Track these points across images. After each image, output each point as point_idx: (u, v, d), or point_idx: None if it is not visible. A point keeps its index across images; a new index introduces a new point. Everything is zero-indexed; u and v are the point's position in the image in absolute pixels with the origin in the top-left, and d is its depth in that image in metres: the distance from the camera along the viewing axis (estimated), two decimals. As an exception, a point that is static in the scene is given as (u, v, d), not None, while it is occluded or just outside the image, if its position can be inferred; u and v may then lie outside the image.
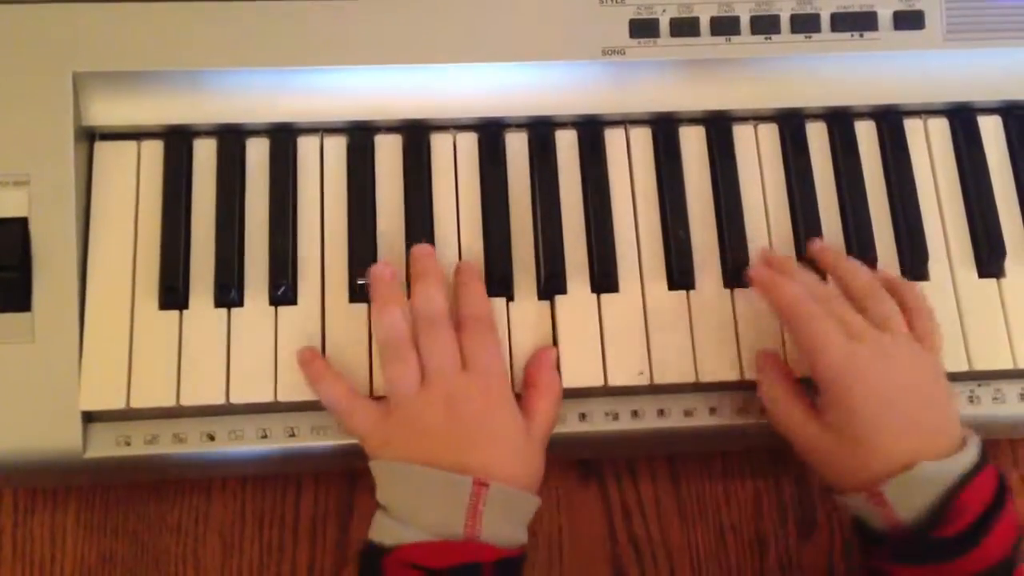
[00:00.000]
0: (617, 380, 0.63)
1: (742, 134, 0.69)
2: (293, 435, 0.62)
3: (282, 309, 0.63)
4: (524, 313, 0.64)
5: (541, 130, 0.68)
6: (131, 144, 0.66)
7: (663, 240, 0.67)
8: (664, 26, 0.66)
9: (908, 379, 0.58)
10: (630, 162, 0.68)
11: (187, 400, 0.61)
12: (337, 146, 0.67)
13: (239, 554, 0.67)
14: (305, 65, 0.65)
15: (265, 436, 0.62)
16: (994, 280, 0.67)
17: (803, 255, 0.66)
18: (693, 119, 0.69)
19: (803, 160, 0.69)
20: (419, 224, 0.65)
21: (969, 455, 0.56)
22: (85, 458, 0.61)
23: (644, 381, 0.63)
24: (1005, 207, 0.68)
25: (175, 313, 0.63)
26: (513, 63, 0.66)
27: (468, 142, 0.68)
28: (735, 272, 0.65)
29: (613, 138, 0.68)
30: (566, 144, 0.68)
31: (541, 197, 0.67)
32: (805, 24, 0.67)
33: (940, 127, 0.70)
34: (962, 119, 0.70)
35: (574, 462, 0.70)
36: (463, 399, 0.58)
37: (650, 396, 0.64)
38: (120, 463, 0.62)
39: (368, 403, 0.60)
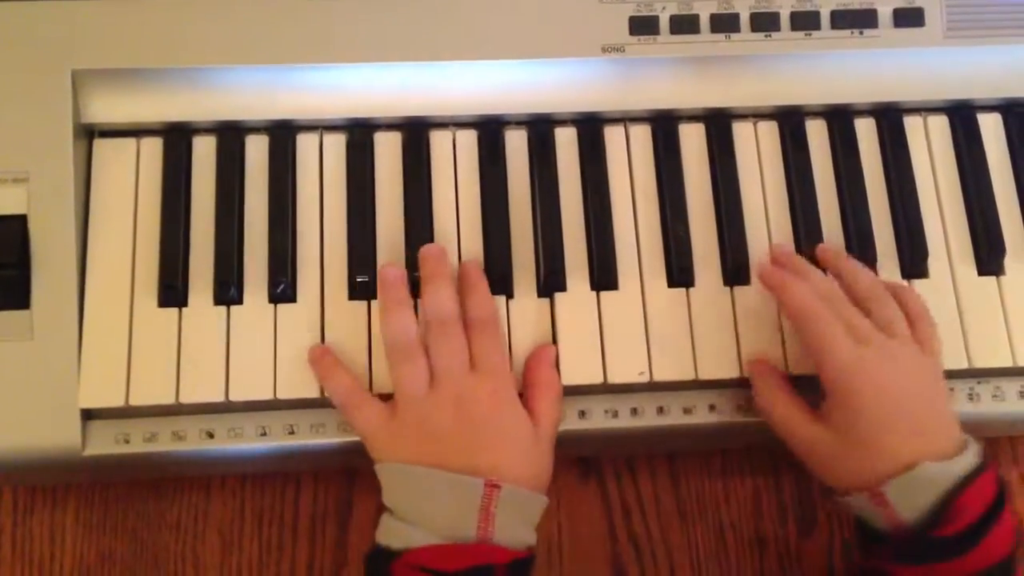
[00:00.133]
0: (616, 378, 0.63)
1: (742, 132, 0.69)
2: (292, 433, 0.62)
3: (281, 307, 0.63)
4: (524, 311, 0.64)
5: (541, 127, 0.68)
6: (130, 141, 0.66)
7: (663, 238, 0.67)
8: (664, 23, 0.66)
9: (912, 382, 0.58)
10: (630, 160, 0.68)
11: (186, 398, 0.61)
12: (336, 143, 0.67)
13: (238, 552, 0.67)
14: (304, 62, 0.65)
15: (264, 434, 0.62)
16: (994, 278, 0.67)
17: (801, 251, 0.66)
18: (693, 116, 0.69)
19: (803, 158, 0.69)
20: (418, 221, 0.65)
21: (970, 457, 0.56)
22: (84, 456, 0.61)
23: (643, 379, 0.63)
24: (1005, 205, 0.68)
25: (174, 311, 0.63)
26: (513, 60, 0.66)
27: (468, 139, 0.68)
28: (735, 270, 0.65)
29: (613, 135, 0.68)
30: (566, 141, 0.68)
31: (541, 195, 0.67)
32: (805, 21, 0.67)
33: (940, 124, 0.70)
34: (962, 116, 0.70)
35: (574, 460, 0.70)
36: (472, 400, 0.58)
37: (649, 394, 0.64)
38: (119, 461, 0.62)
39: (376, 402, 0.60)
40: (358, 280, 0.63)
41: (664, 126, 0.69)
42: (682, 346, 0.64)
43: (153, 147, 0.66)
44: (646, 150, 0.68)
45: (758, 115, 0.70)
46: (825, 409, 0.59)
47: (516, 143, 0.68)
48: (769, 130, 0.69)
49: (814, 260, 0.65)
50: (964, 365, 0.64)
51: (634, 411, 0.64)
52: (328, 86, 0.66)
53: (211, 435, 0.62)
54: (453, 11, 0.66)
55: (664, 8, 0.67)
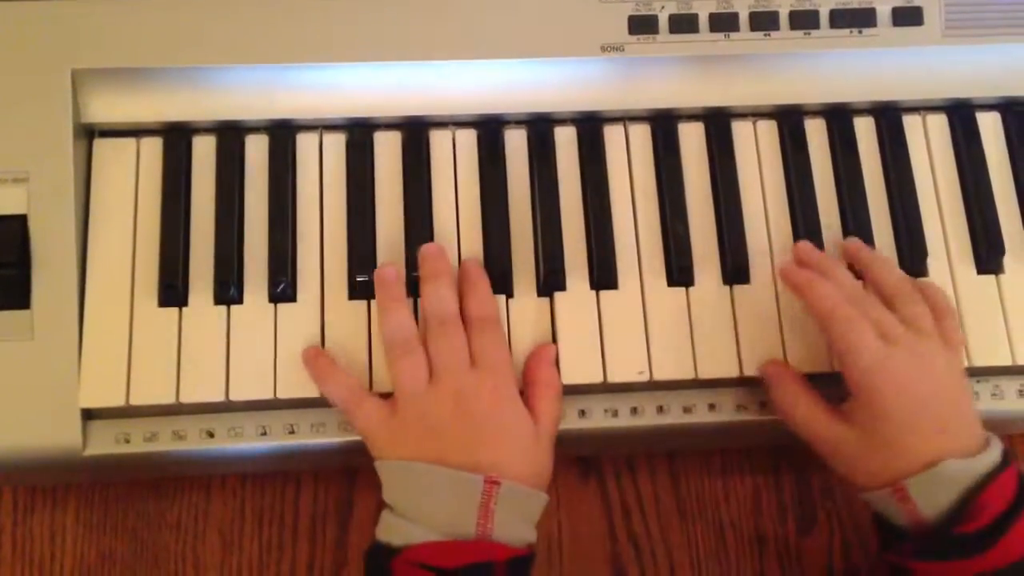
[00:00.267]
0: (616, 377, 0.63)
1: (741, 131, 0.69)
2: (292, 432, 0.62)
3: (281, 306, 0.63)
4: (523, 310, 0.64)
5: (540, 127, 0.68)
6: (130, 141, 0.66)
7: (662, 237, 0.67)
8: (663, 22, 0.66)
9: (937, 380, 0.58)
10: (629, 159, 0.68)
11: (187, 397, 0.61)
12: (336, 143, 0.67)
13: (239, 552, 0.67)
14: (304, 61, 0.65)
15: (265, 433, 0.62)
16: (993, 277, 0.67)
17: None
18: (692, 115, 0.69)
19: (802, 157, 0.69)
20: (418, 221, 0.65)
21: (993, 455, 0.56)
22: (84, 455, 0.61)
23: (643, 378, 0.63)
24: (1004, 204, 0.68)
25: (174, 310, 0.63)
26: (512, 60, 0.66)
27: (467, 139, 0.68)
28: (734, 269, 0.65)
29: (612, 135, 0.68)
30: (565, 141, 0.68)
31: (540, 194, 0.67)
32: (804, 20, 0.67)
33: (939, 123, 0.70)
34: (961, 115, 0.70)
35: (574, 460, 0.70)
36: (473, 396, 0.58)
37: (649, 393, 0.64)
38: (120, 460, 0.62)
39: (375, 400, 0.60)
40: (358, 280, 0.63)
41: (663, 125, 0.69)
42: (682, 345, 0.64)
43: (153, 147, 0.66)
44: (646, 149, 0.68)
45: (757, 114, 0.70)
46: (849, 408, 0.59)
47: (516, 142, 0.68)
48: (768, 129, 0.69)
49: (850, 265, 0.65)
50: (964, 364, 0.64)
51: (634, 410, 0.64)
52: (328, 85, 0.66)
53: (211, 435, 0.62)
54: (453, 11, 0.66)
55: (663, 7, 0.67)
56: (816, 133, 0.69)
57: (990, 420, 0.65)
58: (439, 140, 0.68)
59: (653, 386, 0.64)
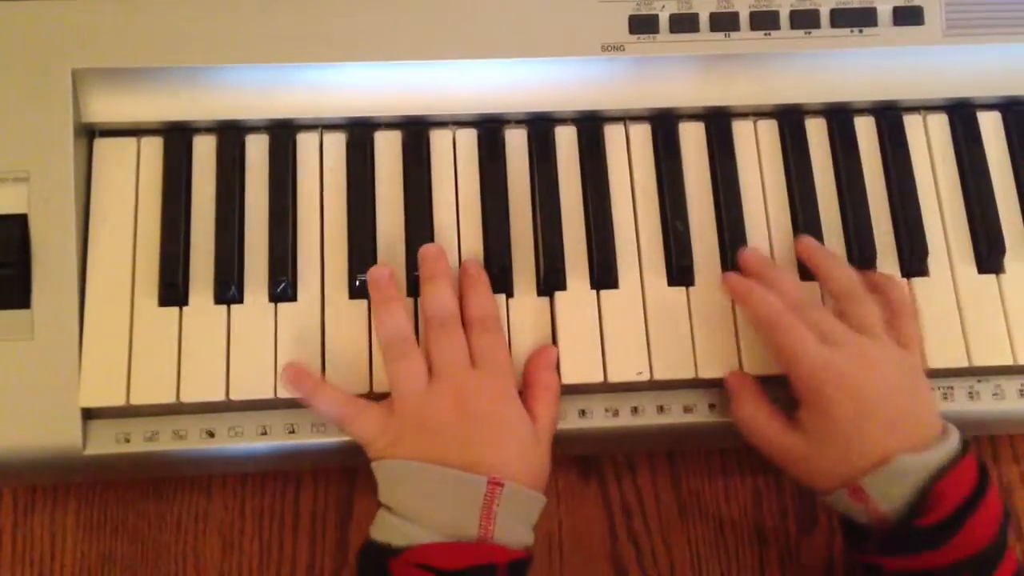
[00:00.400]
0: (617, 376, 0.63)
1: (742, 130, 0.69)
2: (293, 432, 0.62)
3: (282, 306, 0.63)
4: (523, 309, 0.64)
5: (541, 126, 0.68)
6: (131, 141, 0.66)
7: (663, 236, 0.67)
8: (663, 22, 0.66)
9: (885, 380, 0.58)
10: (630, 158, 0.68)
11: (187, 397, 0.61)
12: (337, 142, 0.67)
13: (239, 552, 0.67)
14: (304, 61, 0.65)
15: (265, 433, 0.62)
16: (993, 276, 0.67)
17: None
18: (693, 115, 0.69)
19: (803, 156, 0.69)
20: (419, 220, 0.65)
21: (946, 447, 0.56)
22: (85, 455, 0.61)
23: (644, 377, 0.63)
24: (1004, 203, 0.68)
25: (175, 310, 0.63)
26: (513, 59, 0.66)
27: (468, 138, 0.68)
28: (735, 268, 0.65)
29: (613, 134, 0.68)
30: (566, 140, 0.68)
31: (541, 193, 0.67)
32: (804, 20, 0.67)
33: (940, 123, 0.70)
34: (962, 115, 0.70)
35: (574, 460, 0.70)
36: (473, 396, 0.58)
37: (650, 392, 0.64)
38: (120, 460, 0.62)
39: (369, 405, 0.60)
40: (358, 279, 0.63)
41: (664, 125, 0.69)
42: (682, 345, 0.64)
43: (153, 146, 0.66)
44: (646, 149, 0.68)
45: (758, 113, 0.70)
46: (799, 416, 0.59)
47: (516, 142, 0.68)
48: (769, 128, 0.69)
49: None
50: (964, 363, 0.64)
51: (635, 410, 0.64)
52: (328, 85, 0.66)
53: (212, 434, 0.62)
54: (453, 10, 0.66)
55: (664, 7, 0.67)
56: (817, 132, 0.69)
57: (991, 421, 0.65)
58: (439, 140, 0.68)
59: (654, 386, 0.64)
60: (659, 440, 0.68)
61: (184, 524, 0.67)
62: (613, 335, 0.64)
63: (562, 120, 0.69)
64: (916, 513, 0.55)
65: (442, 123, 0.68)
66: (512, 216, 0.66)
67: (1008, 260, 0.67)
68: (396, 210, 0.66)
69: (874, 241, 0.67)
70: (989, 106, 0.70)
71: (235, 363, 0.62)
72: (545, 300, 0.65)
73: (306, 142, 0.67)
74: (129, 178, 0.65)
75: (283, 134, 0.67)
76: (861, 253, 0.66)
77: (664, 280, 0.65)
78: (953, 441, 0.57)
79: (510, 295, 0.65)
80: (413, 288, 0.63)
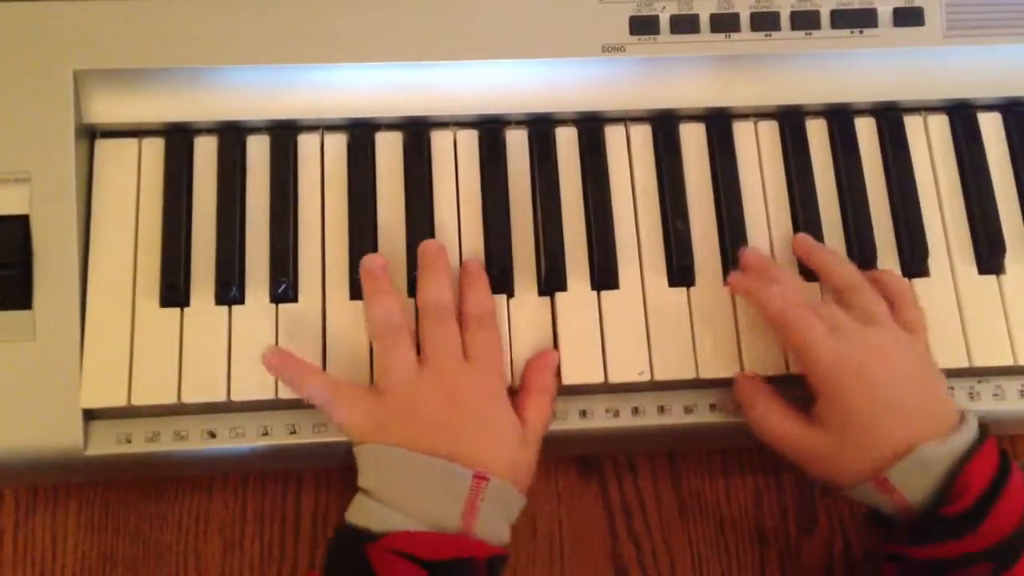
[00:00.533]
0: (617, 377, 0.63)
1: (742, 131, 0.69)
2: (294, 432, 0.62)
3: (283, 306, 0.63)
4: (524, 309, 0.64)
5: (541, 127, 0.68)
6: (132, 142, 0.66)
7: (663, 237, 0.67)
8: (664, 23, 0.67)
9: (899, 368, 0.58)
10: (630, 159, 0.68)
11: (188, 397, 0.61)
12: (338, 143, 0.67)
13: (240, 552, 0.67)
14: (305, 62, 0.65)
15: (266, 433, 0.62)
16: (994, 276, 0.67)
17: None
18: (693, 116, 0.69)
19: (803, 157, 0.69)
20: (420, 221, 0.65)
21: (967, 432, 0.56)
22: (86, 456, 0.61)
23: (644, 378, 0.63)
24: (1005, 204, 0.68)
25: (176, 310, 0.63)
26: (513, 60, 0.66)
27: (468, 139, 0.68)
28: (735, 269, 0.65)
29: (613, 135, 0.68)
30: (566, 141, 0.68)
31: (541, 194, 0.67)
32: (805, 21, 0.67)
33: (940, 124, 0.70)
34: (962, 116, 0.70)
35: (575, 459, 0.70)
36: (462, 389, 0.58)
37: (651, 393, 0.64)
38: (121, 461, 0.62)
39: (357, 390, 0.59)
40: (359, 279, 0.63)
41: (664, 126, 0.69)
42: (683, 345, 0.64)
43: (155, 147, 0.66)
44: (647, 150, 0.68)
45: (758, 115, 0.70)
46: (816, 411, 0.59)
47: (517, 143, 0.68)
48: (769, 129, 0.69)
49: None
50: (964, 364, 0.64)
51: (635, 410, 0.64)
52: (329, 86, 0.66)
53: (213, 435, 0.62)
54: (454, 11, 0.66)
55: (664, 8, 0.67)
56: (817, 133, 0.69)
57: (991, 421, 0.65)
58: (440, 140, 0.68)
59: (654, 386, 0.64)
60: (660, 440, 0.68)
61: (185, 524, 0.67)
62: (614, 335, 0.64)
63: (563, 121, 0.69)
64: (942, 502, 0.55)
65: (443, 124, 0.68)
66: (513, 217, 0.66)
67: (1008, 260, 0.67)
68: (397, 211, 0.66)
69: (874, 241, 0.67)
70: (989, 107, 0.70)
71: (236, 364, 0.62)
72: (546, 300, 0.65)
73: (307, 143, 0.67)
74: (130, 179, 0.65)
75: (284, 135, 0.67)
76: (861, 253, 0.66)
77: (665, 280, 0.66)
78: (973, 427, 0.57)
79: (511, 295, 0.65)
80: (413, 289, 0.63)
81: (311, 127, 0.67)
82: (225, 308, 0.63)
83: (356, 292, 0.64)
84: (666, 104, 0.68)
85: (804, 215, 0.67)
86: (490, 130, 0.68)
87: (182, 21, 0.64)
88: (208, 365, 0.62)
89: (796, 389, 0.61)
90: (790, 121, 0.69)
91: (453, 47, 0.66)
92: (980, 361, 0.65)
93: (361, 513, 0.56)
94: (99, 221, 0.64)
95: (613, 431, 0.64)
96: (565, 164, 0.68)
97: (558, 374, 0.63)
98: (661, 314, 0.65)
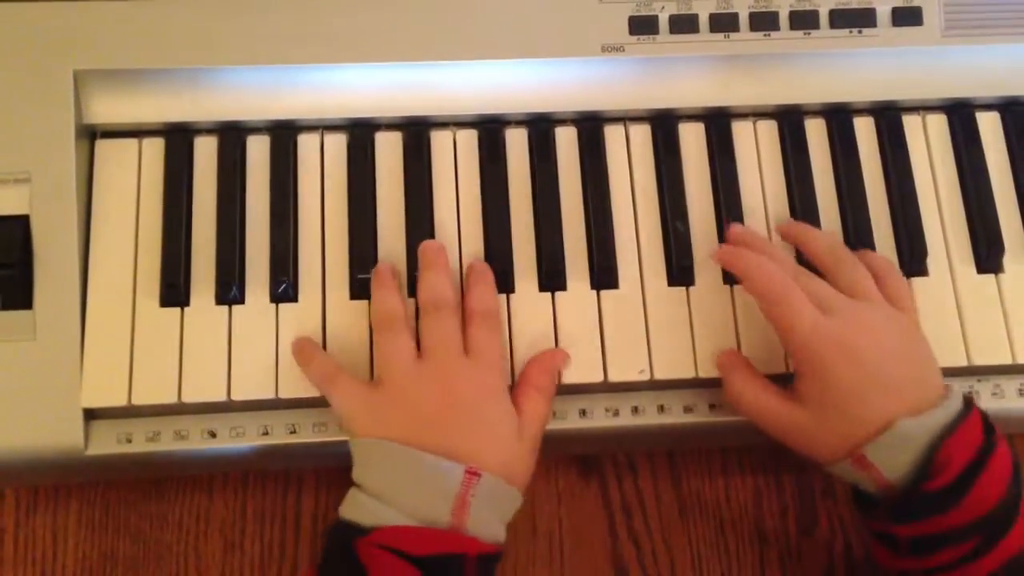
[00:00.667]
0: (617, 376, 0.63)
1: (741, 131, 0.69)
2: (294, 432, 0.63)
3: (283, 306, 0.63)
4: (524, 309, 0.64)
5: (541, 127, 0.68)
6: (132, 142, 0.66)
7: (663, 237, 0.67)
8: (663, 23, 0.67)
9: (886, 344, 0.58)
10: (629, 159, 0.68)
11: (189, 397, 0.61)
12: (337, 143, 0.67)
13: (240, 552, 0.67)
14: (305, 62, 0.65)
15: (266, 433, 0.62)
16: (992, 276, 0.67)
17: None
18: (692, 116, 0.69)
19: (802, 157, 0.69)
20: (420, 221, 0.65)
21: (949, 407, 0.56)
22: (87, 455, 0.61)
23: (644, 377, 0.63)
24: (1003, 203, 0.68)
25: (176, 310, 0.63)
26: (513, 60, 0.66)
27: (468, 139, 0.68)
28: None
29: (613, 135, 0.69)
30: (566, 141, 0.68)
31: (541, 194, 0.67)
32: (804, 21, 0.67)
33: (939, 123, 0.70)
34: (960, 115, 0.70)
35: (575, 459, 0.70)
36: (459, 382, 0.58)
37: (650, 392, 0.64)
38: (122, 460, 0.62)
39: (356, 378, 0.60)
40: (359, 276, 0.63)
41: (664, 125, 0.69)
42: (682, 345, 0.64)
43: (155, 147, 0.66)
44: (646, 149, 0.69)
45: (757, 114, 0.70)
46: (797, 386, 0.59)
47: (516, 142, 0.68)
48: (768, 129, 0.70)
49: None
50: (963, 363, 0.65)
51: (635, 410, 0.64)
52: (329, 86, 0.66)
53: (213, 435, 0.62)
54: (453, 11, 0.66)
55: (663, 8, 0.67)
56: (816, 133, 0.70)
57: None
58: (440, 140, 0.68)
59: (654, 385, 0.64)
60: (659, 440, 0.68)
61: (186, 524, 0.67)
62: (613, 335, 0.64)
63: (562, 121, 0.69)
64: (923, 478, 0.54)
65: (443, 124, 0.68)
66: (512, 217, 0.66)
67: (1007, 260, 0.67)
68: (397, 211, 0.66)
69: (873, 240, 0.67)
70: (988, 106, 0.71)
71: (236, 363, 0.62)
72: (546, 300, 0.65)
73: (307, 143, 0.67)
74: (130, 179, 0.65)
75: (284, 135, 0.67)
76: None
77: (664, 280, 0.66)
78: (955, 401, 0.56)
79: (511, 293, 0.65)
80: (413, 290, 0.63)
81: (311, 127, 0.67)
82: (225, 308, 0.63)
83: (356, 292, 0.64)
84: (665, 104, 0.68)
85: (803, 214, 0.67)
86: (490, 130, 0.68)
87: (182, 21, 0.65)
88: (208, 365, 0.62)
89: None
90: (789, 120, 0.69)
91: (452, 47, 0.66)
92: (979, 360, 0.65)
93: (352, 508, 0.56)
94: (99, 221, 0.64)
95: (613, 430, 0.64)
96: (565, 164, 0.68)
97: (559, 376, 0.63)
98: (661, 314, 0.65)
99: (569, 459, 0.69)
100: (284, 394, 0.62)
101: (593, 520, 0.69)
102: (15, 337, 0.61)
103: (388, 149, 0.67)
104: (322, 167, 0.67)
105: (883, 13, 0.68)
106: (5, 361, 0.61)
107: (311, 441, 0.62)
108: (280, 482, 0.68)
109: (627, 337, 0.64)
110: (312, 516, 0.68)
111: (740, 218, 0.67)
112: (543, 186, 0.67)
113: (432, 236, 0.65)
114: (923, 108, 0.70)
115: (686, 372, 0.64)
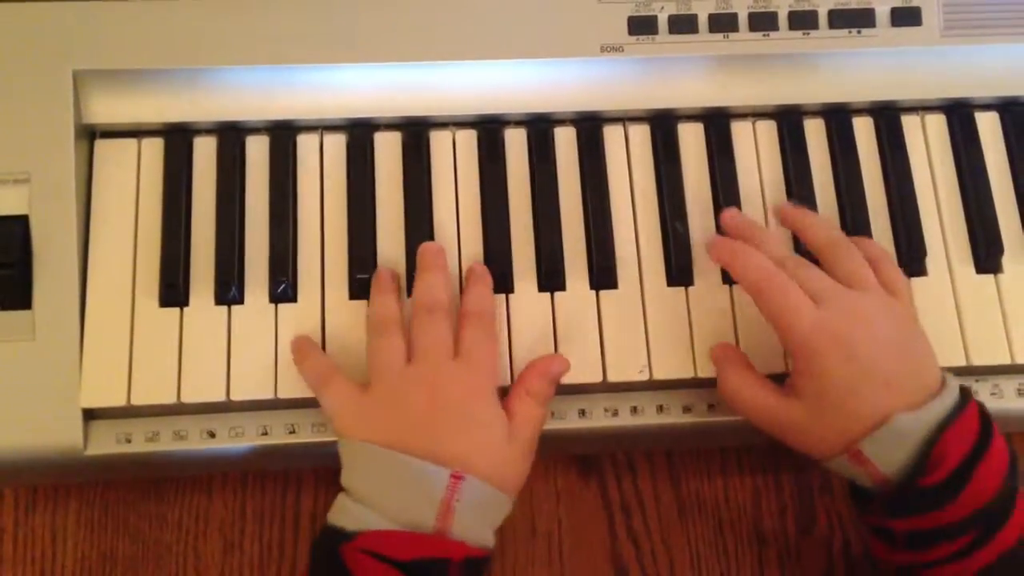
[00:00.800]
0: (616, 376, 0.63)
1: (740, 131, 0.69)
2: (293, 432, 0.63)
3: (282, 306, 0.64)
4: (523, 309, 0.64)
5: (540, 127, 0.68)
6: (131, 142, 0.66)
7: (662, 237, 0.67)
8: (662, 23, 0.67)
9: (882, 336, 0.57)
10: (629, 159, 0.68)
11: (188, 397, 0.61)
12: (337, 143, 0.67)
13: (240, 552, 0.67)
14: (304, 62, 0.65)
15: (266, 433, 0.63)
16: (991, 276, 0.67)
17: (799, 249, 0.66)
18: (692, 116, 0.69)
19: (801, 157, 0.69)
20: (419, 221, 0.65)
21: (945, 401, 0.55)
22: (86, 455, 0.61)
23: (643, 377, 0.63)
24: (1002, 203, 0.68)
25: (175, 310, 0.63)
26: (512, 60, 0.66)
27: (467, 139, 0.68)
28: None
29: (612, 135, 0.69)
30: (565, 141, 0.68)
31: (540, 194, 0.67)
32: (803, 21, 0.67)
33: (938, 123, 0.70)
34: (959, 115, 0.70)
35: (574, 459, 0.70)
36: (448, 384, 0.57)
37: (649, 392, 0.64)
38: (121, 460, 0.62)
39: (350, 380, 0.59)
40: (358, 277, 0.63)
41: (663, 126, 0.69)
42: (682, 345, 0.64)
43: (154, 148, 0.66)
44: (645, 149, 0.69)
45: (756, 114, 0.70)
46: (793, 381, 0.58)
47: (516, 142, 0.68)
48: (767, 129, 0.70)
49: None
50: (962, 363, 0.65)
51: (634, 410, 0.64)
52: (328, 86, 0.66)
53: (212, 435, 0.62)
54: (453, 11, 0.66)
55: (662, 8, 0.67)
56: (815, 133, 0.70)
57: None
58: (439, 140, 0.68)
59: (653, 385, 0.64)
60: (659, 440, 0.68)
61: (185, 524, 0.67)
62: (612, 335, 0.64)
63: (561, 121, 0.69)
64: (919, 473, 0.54)
65: (442, 124, 0.68)
66: (512, 217, 0.66)
67: (1006, 260, 0.67)
68: (396, 211, 0.66)
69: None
70: (987, 106, 0.71)
71: (236, 364, 0.62)
72: (545, 300, 0.65)
73: (306, 143, 0.67)
74: (130, 179, 0.65)
75: (283, 135, 0.67)
76: (860, 253, 0.66)
77: (663, 280, 0.66)
78: (951, 394, 0.56)
79: (510, 293, 0.65)
80: (412, 289, 0.63)
81: (310, 127, 0.67)
82: (224, 308, 0.63)
83: (355, 292, 0.64)
84: (664, 104, 0.68)
85: (802, 215, 0.67)
86: (489, 130, 0.68)
87: (181, 21, 0.65)
88: (207, 365, 0.62)
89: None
90: (788, 121, 0.69)
91: (451, 47, 0.66)
92: (978, 360, 0.65)
93: (339, 513, 0.55)
94: (99, 221, 0.64)
95: (612, 430, 0.64)
96: (564, 164, 0.68)
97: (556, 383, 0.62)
98: (660, 314, 0.65)
99: (568, 459, 0.69)
100: (283, 394, 0.62)
101: (592, 520, 0.69)
102: (14, 337, 0.61)
103: (387, 149, 0.67)
104: (321, 167, 0.67)
105: (882, 13, 0.68)
106: (4, 361, 0.61)
107: (310, 441, 0.62)
108: (279, 482, 0.68)
109: (626, 337, 0.64)
110: (311, 516, 0.68)
111: (739, 217, 0.67)
112: (542, 186, 0.67)
113: (431, 236, 0.65)
114: (922, 108, 0.71)
115: (685, 372, 0.64)
